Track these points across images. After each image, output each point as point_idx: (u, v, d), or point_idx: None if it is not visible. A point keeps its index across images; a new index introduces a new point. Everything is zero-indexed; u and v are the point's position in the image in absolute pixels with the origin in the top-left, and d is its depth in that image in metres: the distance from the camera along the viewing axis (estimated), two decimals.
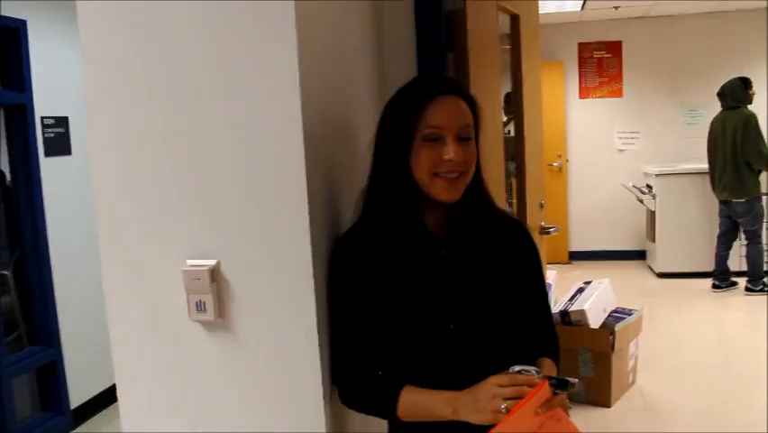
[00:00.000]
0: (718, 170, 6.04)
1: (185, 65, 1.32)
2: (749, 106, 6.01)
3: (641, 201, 7.09)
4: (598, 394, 3.96)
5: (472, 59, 2.43)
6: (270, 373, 1.37)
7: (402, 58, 2.19)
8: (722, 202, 6.12)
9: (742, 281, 6.20)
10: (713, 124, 6.16)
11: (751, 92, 6.03)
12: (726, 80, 6.09)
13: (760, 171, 5.92)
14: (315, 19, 1.42)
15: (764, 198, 6.15)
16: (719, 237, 6.24)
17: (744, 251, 6.22)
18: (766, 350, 4.56)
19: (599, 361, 3.94)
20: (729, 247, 6.22)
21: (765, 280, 6.09)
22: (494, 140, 2.71)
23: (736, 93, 5.96)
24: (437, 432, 1.37)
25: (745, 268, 6.22)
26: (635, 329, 4.20)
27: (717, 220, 6.26)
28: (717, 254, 6.25)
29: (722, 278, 6.23)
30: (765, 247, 6.12)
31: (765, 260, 6.15)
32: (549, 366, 1.48)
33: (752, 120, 5.89)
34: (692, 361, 4.64)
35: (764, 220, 6.05)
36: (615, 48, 7.67)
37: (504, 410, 1.23)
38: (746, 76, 6.09)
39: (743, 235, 6.19)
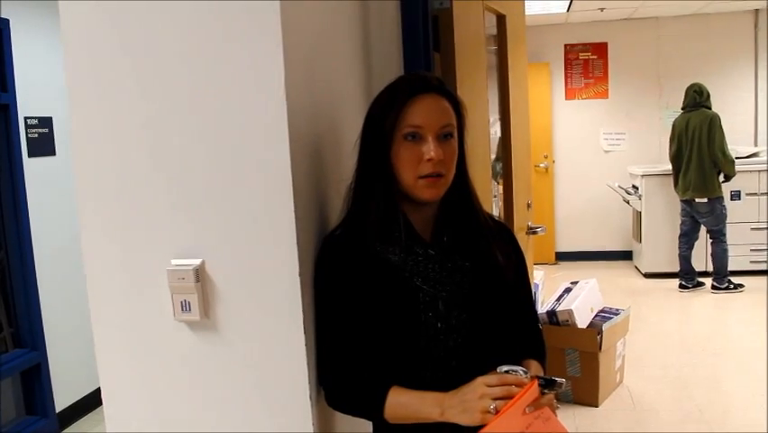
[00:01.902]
0: (682, 170, 6.14)
1: (169, 64, 1.31)
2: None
3: (627, 202, 7.13)
4: (586, 394, 3.97)
5: (459, 59, 2.43)
6: (256, 374, 1.36)
7: (389, 57, 2.18)
8: (684, 201, 6.22)
9: (708, 281, 6.29)
10: (676, 125, 6.25)
11: None
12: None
13: (719, 172, 6.01)
14: (301, 17, 1.41)
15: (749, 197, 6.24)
16: (681, 237, 6.34)
17: (709, 251, 6.32)
18: (766, 348, 4.58)
19: (587, 360, 3.94)
20: (692, 247, 6.32)
21: (731, 278, 6.17)
22: (481, 140, 2.71)
23: (707, 94, 6.07)
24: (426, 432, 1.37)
25: (709, 268, 6.34)
26: (623, 329, 4.21)
27: None
28: (680, 255, 6.34)
29: (688, 278, 6.31)
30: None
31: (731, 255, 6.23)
32: (536, 367, 1.48)
33: (717, 120, 5.99)
34: (679, 360, 4.67)
35: (725, 218, 6.12)
36: (600, 49, 7.71)
37: (493, 411, 1.22)
38: (732, 77, 6.17)
39: (707, 235, 6.28)
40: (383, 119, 1.39)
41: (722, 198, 6.07)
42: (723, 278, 6.16)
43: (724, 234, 6.11)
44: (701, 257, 6.47)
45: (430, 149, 1.37)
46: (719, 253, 6.14)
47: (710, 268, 6.32)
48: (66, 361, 4.07)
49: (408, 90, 1.40)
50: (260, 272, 1.33)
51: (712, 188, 6.01)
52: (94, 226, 1.38)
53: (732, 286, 6.14)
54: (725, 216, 6.10)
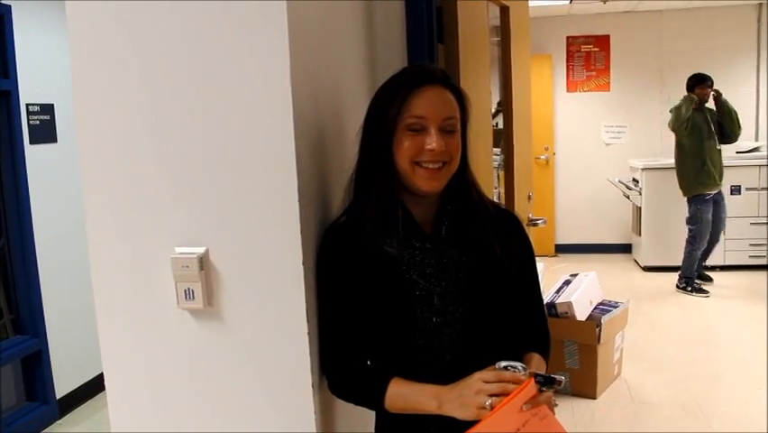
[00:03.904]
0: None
1: (173, 52, 1.31)
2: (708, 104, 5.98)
3: (627, 197, 7.12)
4: (584, 386, 3.99)
5: (462, 51, 2.43)
6: (259, 362, 1.37)
7: (393, 48, 2.18)
8: None
9: (716, 276, 6.28)
10: None
11: (703, 90, 5.90)
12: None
13: (703, 165, 5.83)
14: (306, 7, 1.41)
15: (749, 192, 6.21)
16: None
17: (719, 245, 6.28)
18: (766, 342, 4.59)
19: (585, 353, 3.96)
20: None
21: (696, 283, 6.06)
22: (483, 132, 2.71)
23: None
24: (423, 424, 1.38)
25: (715, 263, 6.35)
26: (621, 322, 4.23)
27: None
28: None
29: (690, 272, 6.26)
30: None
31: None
32: (537, 361, 1.47)
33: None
34: (677, 353, 4.68)
35: (701, 222, 5.93)
36: (603, 42, 7.69)
37: (488, 407, 1.22)
38: (734, 71, 6.07)
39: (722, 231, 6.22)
40: (386, 109, 1.39)
41: (701, 196, 5.88)
42: (682, 279, 6.08)
43: (694, 238, 5.95)
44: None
45: (432, 140, 1.36)
46: (684, 254, 6.05)
47: (716, 261, 6.28)
48: (66, 347, 4.09)
49: (413, 81, 1.40)
50: (264, 261, 1.34)
51: (683, 187, 5.94)
52: (98, 215, 1.38)
53: (690, 289, 6.02)
54: (699, 219, 5.91)
